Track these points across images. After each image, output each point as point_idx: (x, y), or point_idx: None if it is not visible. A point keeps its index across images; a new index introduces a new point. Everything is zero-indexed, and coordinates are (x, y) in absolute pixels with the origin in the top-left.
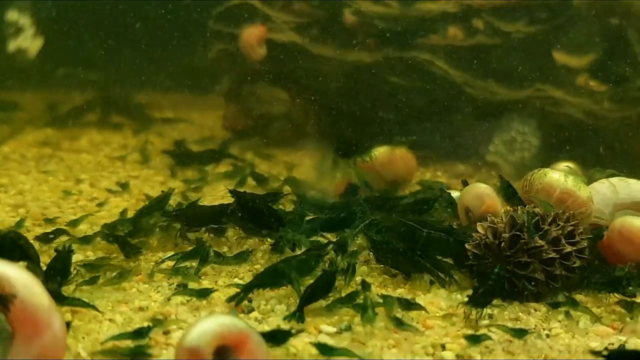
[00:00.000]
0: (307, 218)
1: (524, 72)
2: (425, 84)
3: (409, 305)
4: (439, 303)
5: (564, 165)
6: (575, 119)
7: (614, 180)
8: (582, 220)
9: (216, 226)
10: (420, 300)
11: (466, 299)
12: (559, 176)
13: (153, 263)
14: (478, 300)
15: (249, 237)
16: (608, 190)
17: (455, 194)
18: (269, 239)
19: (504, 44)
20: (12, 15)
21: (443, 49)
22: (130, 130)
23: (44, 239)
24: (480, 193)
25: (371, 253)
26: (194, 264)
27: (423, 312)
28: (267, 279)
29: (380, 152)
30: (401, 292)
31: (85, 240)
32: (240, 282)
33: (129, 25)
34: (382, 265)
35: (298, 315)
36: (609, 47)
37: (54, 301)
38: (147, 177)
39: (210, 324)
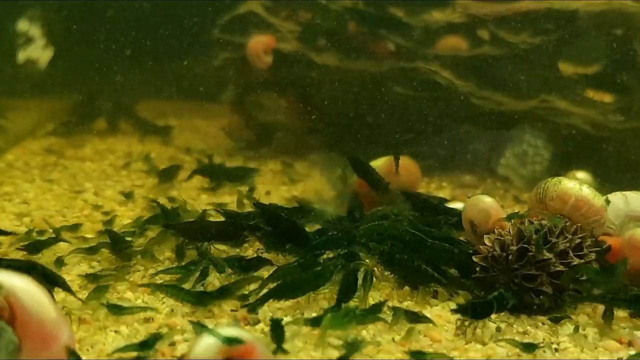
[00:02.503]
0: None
1: (530, 82)
2: (431, 94)
3: (417, 318)
4: (447, 316)
5: (578, 175)
6: (581, 130)
7: (628, 192)
8: (596, 228)
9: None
10: (428, 312)
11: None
12: (574, 184)
13: (159, 274)
14: (466, 311)
15: (269, 252)
16: (620, 201)
17: (458, 205)
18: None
19: (509, 54)
20: (23, 25)
21: (449, 59)
22: (135, 138)
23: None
24: (486, 207)
25: (378, 263)
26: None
27: (431, 324)
28: (284, 292)
29: (382, 161)
30: (408, 304)
31: (91, 250)
32: (244, 292)
33: (133, 33)
34: (388, 277)
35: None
36: (614, 58)
37: None
38: (152, 187)
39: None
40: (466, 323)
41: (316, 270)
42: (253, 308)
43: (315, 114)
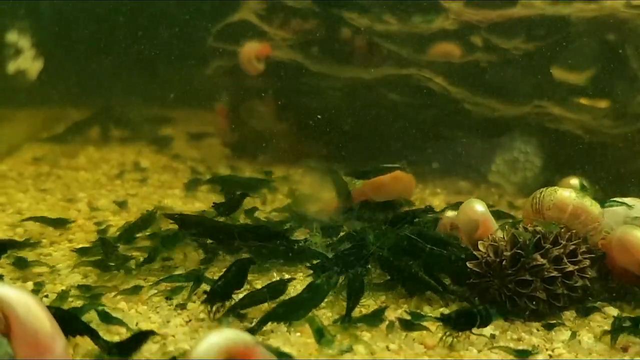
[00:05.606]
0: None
1: (523, 88)
2: (424, 101)
3: (411, 325)
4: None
5: (571, 181)
6: (575, 135)
7: (627, 198)
8: (594, 236)
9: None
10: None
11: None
12: (570, 192)
13: (152, 284)
14: (449, 321)
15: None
16: (619, 208)
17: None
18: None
19: (502, 60)
20: (12, 36)
21: (442, 66)
22: (129, 147)
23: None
24: (476, 218)
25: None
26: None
27: (425, 332)
28: (283, 312)
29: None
30: (402, 311)
31: (84, 260)
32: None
33: (129, 42)
34: (384, 283)
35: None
36: (607, 64)
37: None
38: (146, 196)
39: (217, 338)
40: (451, 334)
41: (313, 289)
42: (252, 331)
43: (308, 121)
